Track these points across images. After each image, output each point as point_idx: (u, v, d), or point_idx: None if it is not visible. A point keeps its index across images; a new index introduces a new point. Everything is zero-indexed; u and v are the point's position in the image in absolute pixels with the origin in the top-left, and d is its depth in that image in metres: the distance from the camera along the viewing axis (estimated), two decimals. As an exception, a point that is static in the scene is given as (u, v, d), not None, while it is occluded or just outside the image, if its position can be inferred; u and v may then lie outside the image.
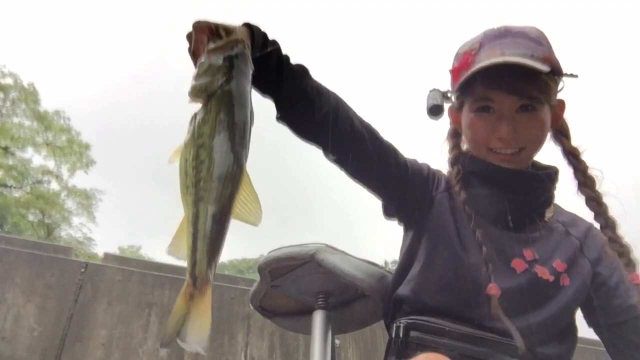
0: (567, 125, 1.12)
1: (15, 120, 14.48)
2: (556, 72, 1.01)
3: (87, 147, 15.37)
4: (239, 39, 0.71)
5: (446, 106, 1.15)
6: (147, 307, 3.74)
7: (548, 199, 1.07)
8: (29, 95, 14.21)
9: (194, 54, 0.73)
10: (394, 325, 0.97)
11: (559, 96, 1.08)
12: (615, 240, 0.95)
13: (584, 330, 1.02)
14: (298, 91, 0.88)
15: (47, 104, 14.84)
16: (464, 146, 1.16)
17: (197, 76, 0.68)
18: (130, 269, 3.72)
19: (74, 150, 15.14)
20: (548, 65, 0.96)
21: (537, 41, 1.00)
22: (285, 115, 0.89)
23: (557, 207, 1.10)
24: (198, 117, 0.66)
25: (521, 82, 0.97)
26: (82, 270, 3.52)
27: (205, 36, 0.72)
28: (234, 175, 0.63)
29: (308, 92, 0.89)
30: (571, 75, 1.04)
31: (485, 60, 0.98)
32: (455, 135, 1.18)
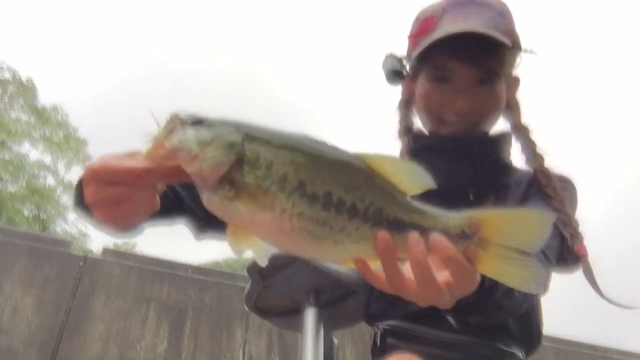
0: (518, 102, 1.09)
1: (13, 114, 14.41)
2: (516, 47, 0.98)
3: (84, 143, 15.30)
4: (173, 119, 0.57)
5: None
6: (145, 302, 3.72)
7: (505, 164, 1.05)
8: (27, 90, 14.14)
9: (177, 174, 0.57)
10: (374, 331, 0.99)
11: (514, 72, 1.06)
12: (561, 211, 0.93)
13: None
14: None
15: (46, 100, 14.69)
16: (415, 118, 1.12)
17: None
18: (129, 264, 3.71)
19: (70, 146, 15.06)
20: (510, 39, 0.93)
21: (501, 13, 0.96)
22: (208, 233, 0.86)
23: (516, 169, 1.07)
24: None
25: (483, 54, 0.93)
26: (81, 264, 3.50)
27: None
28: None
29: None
30: (530, 51, 1.01)
31: (448, 27, 0.93)
32: (406, 106, 1.13)
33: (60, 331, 3.14)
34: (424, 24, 0.99)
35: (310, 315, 1.13)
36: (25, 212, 14.92)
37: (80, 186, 0.70)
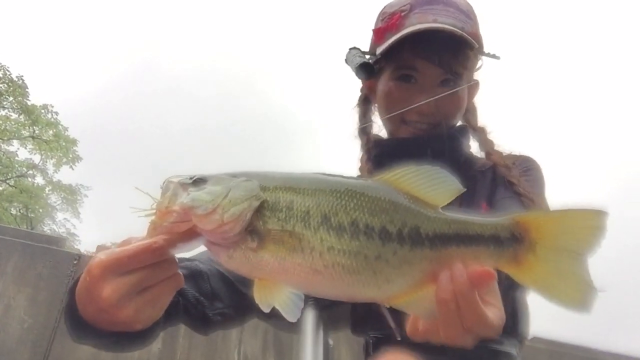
0: (475, 105, 1.08)
1: (2, 112, 14.24)
2: (480, 50, 0.97)
3: (73, 142, 15.16)
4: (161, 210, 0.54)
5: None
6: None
7: (467, 156, 1.03)
8: (17, 88, 13.97)
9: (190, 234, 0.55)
10: (365, 340, 0.97)
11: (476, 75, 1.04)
12: (526, 195, 0.90)
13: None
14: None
15: (38, 100, 14.54)
16: (374, 116, 1.09)
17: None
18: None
19: (60, 145, 14.92)
20: (475, 41, 0.91)
21: (467, 14, 0.95)
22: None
23: (477, 159, 1.04)
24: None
25: (449, 54, 0.91)
26: (75, 262, 3.45)
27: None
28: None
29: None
30: (493, 56, 0.98)
31: (417, 24, 0.90)
32: (365, 103, 1.09)
33: (53, 330, 3.09)
34: (391, 19, 0.95)
35: (309, 317, 1.12)
36: (13, 211, 14.74)
37: (72, 308, 0.61)
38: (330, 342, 1.23)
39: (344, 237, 0.50)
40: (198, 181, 0.53)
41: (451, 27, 0.88)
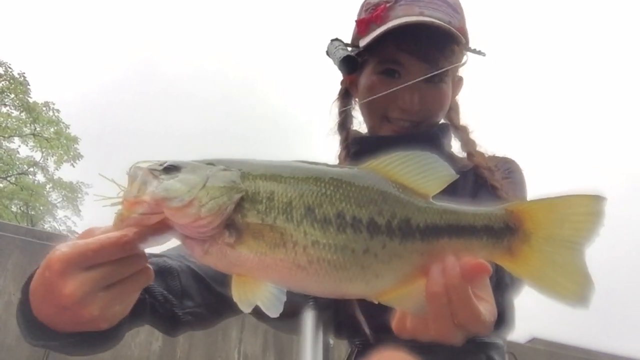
0: (457, 103, 1.05)
1: (4, 109, 14.24)
2: (466, 46, 0.94)
3: (75, 140, 15.15)
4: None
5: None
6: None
7: (448, 155, 0.98)
8: (19, 86, 13.97)
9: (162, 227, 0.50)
10: (351, 346, 0.95)
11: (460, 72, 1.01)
12: (508, 199, 0.88)
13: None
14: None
15: (39, 98, 14.53)
16: (354, 111, 1.05)
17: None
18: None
19: (61, 143, 14.91)
20: (462, 37, 0.88)
21: (454, 8, 0.91)
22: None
23: (458, 159, 1.00)
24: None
25: (435, 49, 0.87)
26: (76, 259, 3.46)
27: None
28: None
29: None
30: (479, 52, 0.94)
31: (403, 16, 0.86)
32: (346, 97, 1.05)
33: (54, 327, 3.10)
34: (374, 10, 0.90)
35: (309, 318, 1.11)
36: (14, 208, 14.74)
37: (26, 306, 0.55)
38: (331, 342, 1.23)
39: (329, 230, 0.46)
40: (170, 168, 0.48)
41: (439, 22, 0.85)
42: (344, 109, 1.05)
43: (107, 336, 0.59)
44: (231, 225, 0.46)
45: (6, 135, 14.42)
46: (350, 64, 0.91)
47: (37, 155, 15.20)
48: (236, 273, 0.48)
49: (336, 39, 0.95)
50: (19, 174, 14.94)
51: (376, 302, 0.51)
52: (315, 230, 0.46)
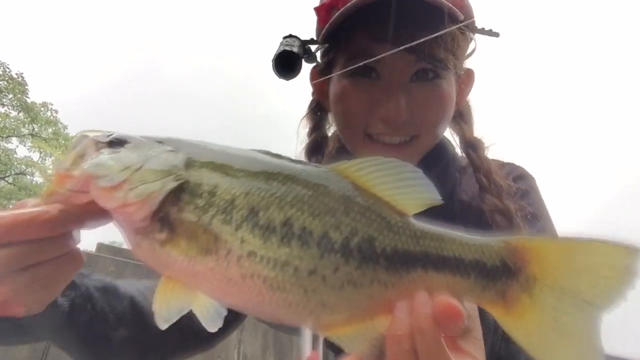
0: (469, 106, 0.80)
1: (2, 109, 14.23)
2: (469, 26, 0.68)
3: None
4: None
5: (307, 66, 0.74)
6: (139, 300, 3.67)
7: (455, 195, 0.77)
8: (17, 85, 13.96)
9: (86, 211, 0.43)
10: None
11: (467, 63, 0.75)
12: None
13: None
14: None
15: (37, 98, 14.57)
16: (330, 129, 0.83)
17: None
18: (125, 260, 3.66)
19: (59, 143, 14.91)
20: (460, 13, 0.64)
21: None
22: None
23: (465, 187, 0.78)
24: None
25: (422, 34, 0.61)
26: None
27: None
28: None
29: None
30: (490, 32, 0.69)
31: None
32: (317, 112, 0.82)
33: (53, 327, 3.08)
34: None
35: None
36: (11, 209, 14.74)
37: None
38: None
39: (270, 240, 0.37)
40: (115, 142, 0.42)
41: None
42: (314, 127, 0.82)
43: (22, 325, 0.52)
44: (165, 218, 0.39)
45: (4, 136, 14.41)
46: (287, 63, 0.68)
47: (35, 156, 15.21)
48: (166, 275, 0.41)
49: (290, 36, 0.71)
50: (16, 174, 14.92)
51: (322, 337, 0.40)
52: (254, 238, 0.38)
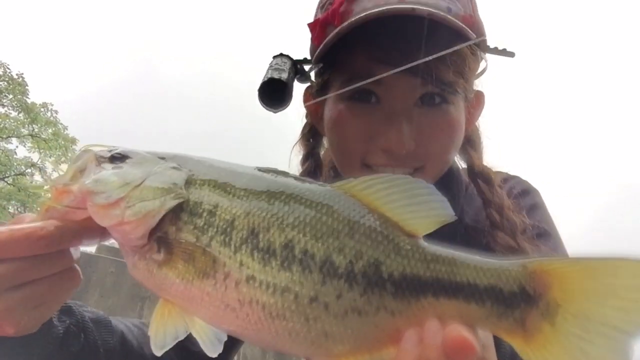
0: (477, 132, 0.74)
1: (2, 110, 14.24)
2: (479, 45, 0.61)
3: (73, 141, 15.13)
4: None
5: (300, 87, 0.69)
6: (139, 301, 3.69)
7: (464, 226, 0.71)
8: (17, 86, 13.96)
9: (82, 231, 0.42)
10: None
11: (476, 85, 0.70)
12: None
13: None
14: None
15: (37, 98, 14.58)
16: (326, 157, 0.77)
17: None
18: (124, 261, 3.65)
19: (59, 144, 14.91)
20: (470, 30, 0.58)
21: None
22: None
23: (468, 209, 0.73)
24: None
25: (428, 53, 0.54)
26: (75, 259, 3.43)
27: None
28: None
29: None
30: (504, 52, 0.62)
31: (373, 8, 0.56)
32: (310, 137, 0.77)
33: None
34: (333, 6, 0.62)
35: None
36: (11, 209, 14.70)
37: None
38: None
39: (270, 264, 0.36)
40: (117, 157, 0.41)
41: (428, 9, 0.54)
42: (307, 154, 0.76)
43: (22, 345, 0.49)
44: (163, 238, 0.37)
45: (4, 136, 14.41)
46: (275, 92, 0.60)
47: (35, 156, 15.21)
48: (163, 298, 0.39)
49: (280, 55, 0.64)
50: (16, 174, 14.91)
51: None
52: (253, 262, 0.36)
